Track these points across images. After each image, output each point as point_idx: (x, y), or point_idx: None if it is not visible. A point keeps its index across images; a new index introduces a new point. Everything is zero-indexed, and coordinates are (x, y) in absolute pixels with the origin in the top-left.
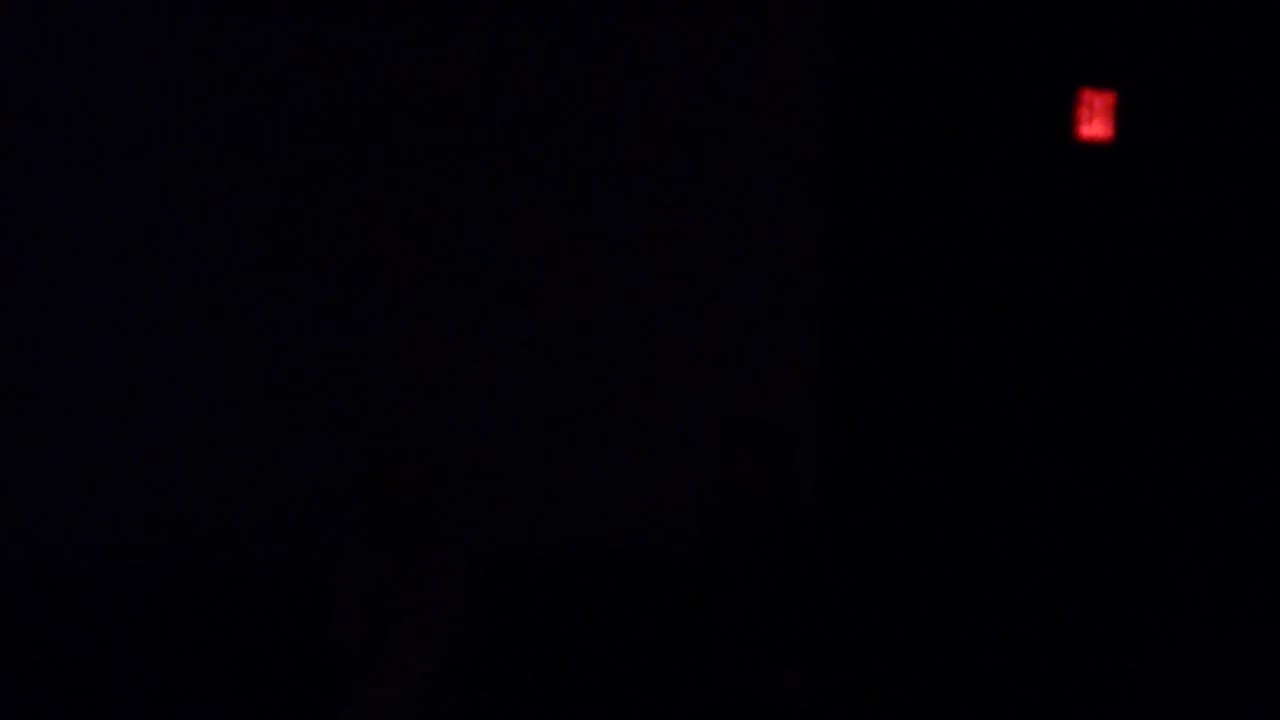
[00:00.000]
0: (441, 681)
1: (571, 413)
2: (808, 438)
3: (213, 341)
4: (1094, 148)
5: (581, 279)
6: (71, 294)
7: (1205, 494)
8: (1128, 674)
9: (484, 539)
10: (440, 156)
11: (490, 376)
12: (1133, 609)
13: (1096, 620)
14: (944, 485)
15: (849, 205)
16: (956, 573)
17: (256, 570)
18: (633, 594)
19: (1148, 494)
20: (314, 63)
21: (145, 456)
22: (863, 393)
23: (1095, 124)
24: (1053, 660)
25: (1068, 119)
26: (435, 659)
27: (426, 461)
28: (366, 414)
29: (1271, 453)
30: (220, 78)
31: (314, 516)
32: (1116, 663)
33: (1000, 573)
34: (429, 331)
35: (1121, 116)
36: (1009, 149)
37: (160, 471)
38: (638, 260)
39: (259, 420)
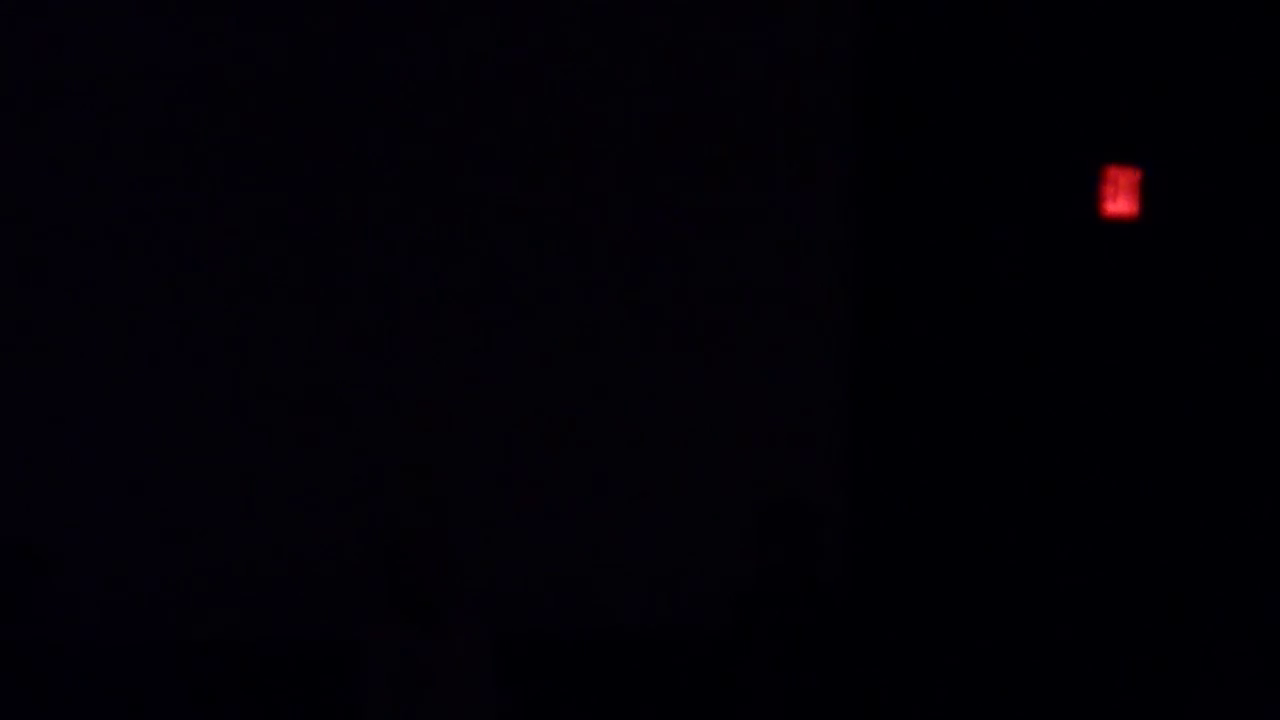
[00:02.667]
0: None
1: (596, 489)
2: (836, 513)
3: (229, 413)
4: (1119, 225)
5: (609, 353)
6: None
7: (1235, 555)
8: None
9: (509, 616)
10: (456, 203)
11: (514, 451)
12: (1180, 646)
13: (1139, 667)
14: (975, 561)
15: (876, 284)
16: (991, 647)
17: (271, 645)
18: (660, 671)
19: (1178, 560)
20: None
21: (153, 529)
22: (890, 468)
23: (1120, 201)
24: None
25: (1093, 196)
26: None
27: (442, 534)
28: (384, 487)
29: None
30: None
31: (327, 590)
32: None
33: (1036, 647)
34: (451, 403)
35: (1147, 193)
36: (1034, 226)
37: (172, 546)
38: (667, 334)
39: (272, 493)
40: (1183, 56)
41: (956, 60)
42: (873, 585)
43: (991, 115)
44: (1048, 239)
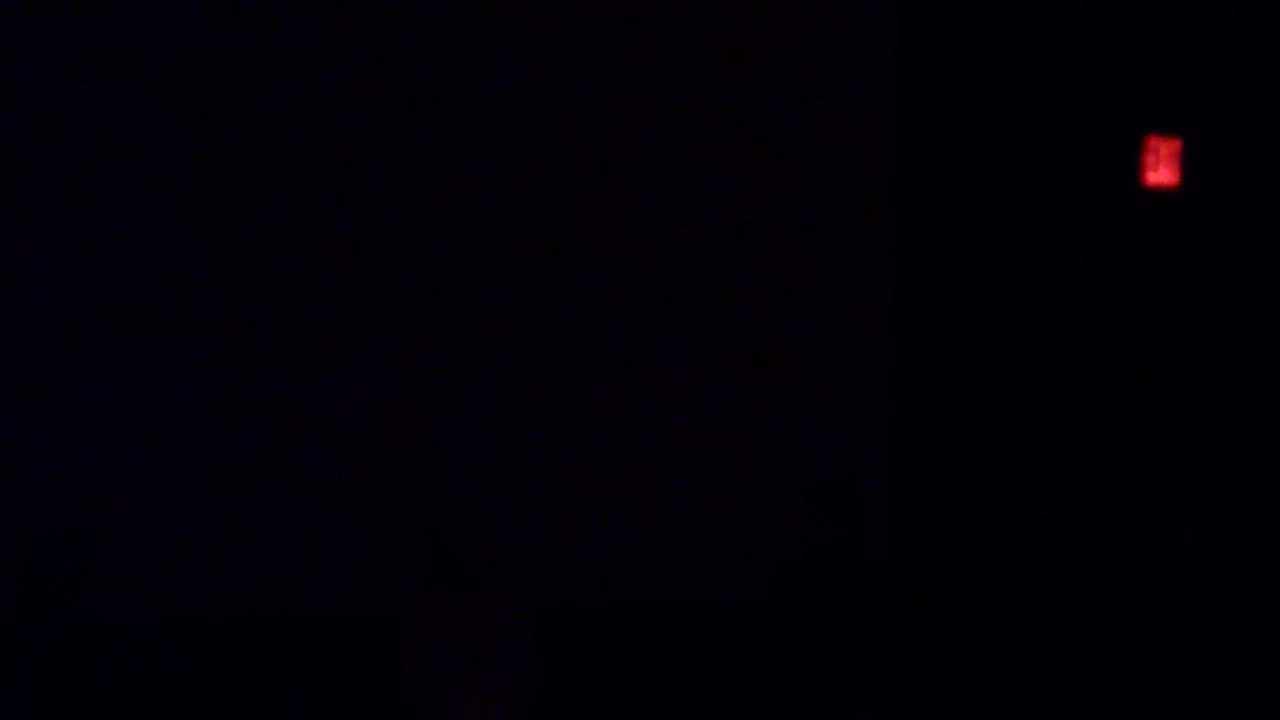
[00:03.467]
0: None
1: (639, 463)
2: (879, 489)
3: (267, 394)
4: (1160, 194)
5: (649, 329)
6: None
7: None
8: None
9: (551, 590)
10: (480, 221)
11: (558, 428)
12: (1215, 649)
13: (1176, 662)
14: (1014, 533)
15: (917, 255)
16: (1027, 621)
17: (310, 622)
18: (701, 645)
19: (1216, 544)
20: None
21: (194, 507)
22: (932, 440)
23: (1161, 171)
24: (1132, 702)
25: (1134, 166)
26: (505, 708)
27: (488, 511)
28: (426, 464)
29: None
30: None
31: (369, 568)
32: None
33: (1075, 617)
34: (493, 382)
35: (1188, 163)
36: (1075, 197)
37: (212, 523)
38: (706, 313)
39: (313, 472)
40: (1223, 26)
41: (997, 31)
42: (914, 560)
43: (1033, 86)
44: (1089, 209)
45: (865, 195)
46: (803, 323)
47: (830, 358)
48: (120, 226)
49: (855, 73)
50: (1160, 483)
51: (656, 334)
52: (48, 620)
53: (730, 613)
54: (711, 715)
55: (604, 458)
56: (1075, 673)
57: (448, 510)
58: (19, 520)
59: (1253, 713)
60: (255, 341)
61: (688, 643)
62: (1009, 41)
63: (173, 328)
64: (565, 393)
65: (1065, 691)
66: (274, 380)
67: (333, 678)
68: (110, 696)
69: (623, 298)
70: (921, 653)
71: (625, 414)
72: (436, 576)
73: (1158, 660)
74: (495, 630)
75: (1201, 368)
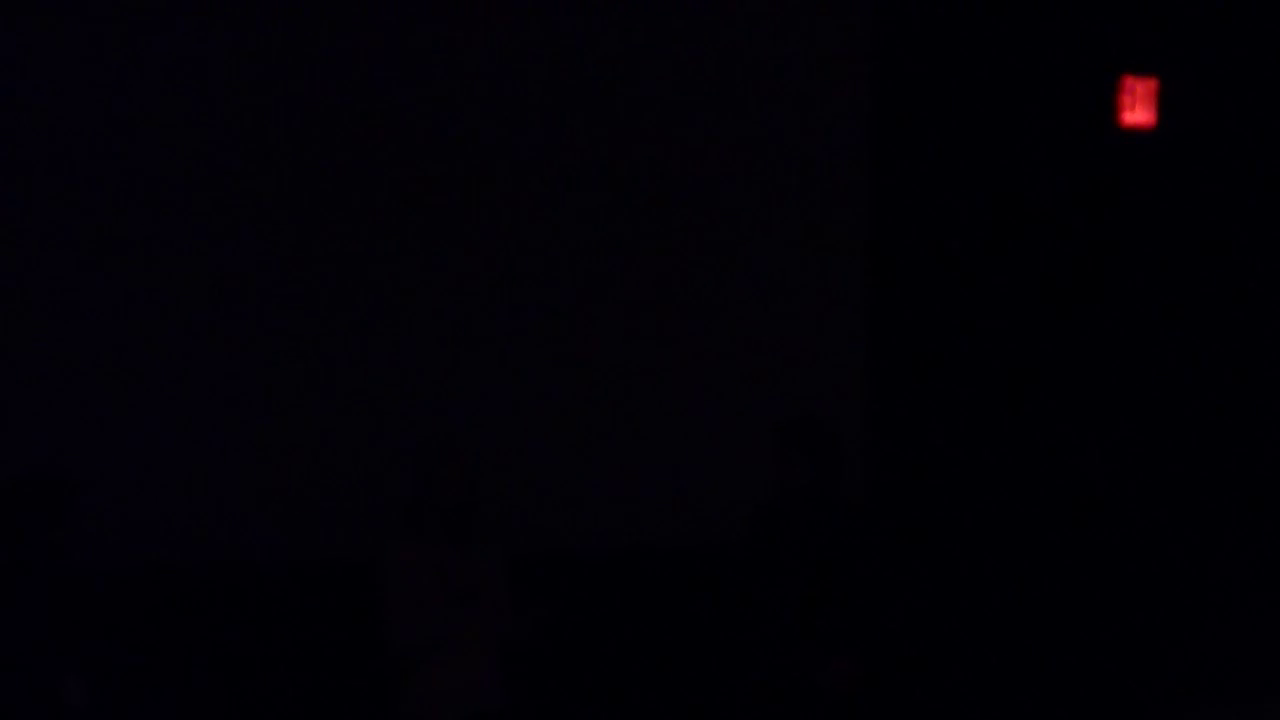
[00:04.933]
0: (490, 678)
1: (616, 408)
2: (852, 429)
3: (252, 346)
4: (1137, 134)
5: (628, 277)
6: (112, 294)
7: (1253, 480)
8: (1169, 655)
9: (529, 535)
10: (482, 151)
11: (536, 373)
12: (1179, 592)
13: (1141, 602)
14: (987, 473)
15: (891, 197)
16: (1001, 560)
17: (303, 569)
18: (679, 588)
19: (1191, 480)
20: (363, 59)
21: (182, 457)
22: (906, 382)
23: (1138, 110)
24: (1099, 645)
25: (1110, 106)
26: (487, 651)
27: (472, 455)
28: (408, 411)
29: None
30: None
31: (345, 513)
32: (1160, 643)
33: (1045, 559)
34: (475, 329)
35: (1164, 103)
36: (1052, 137)
37: (197, 471)
38: (683, 258)
39: (292, 419)
40: None
41: None
42: (890, 501)
43: (1007, 27)
44: (1065, 150)
45: (841, 131)
46: (778, 264)
47: (805, 300)
48: (98, 179)
49: (832, 9)
50: (1136, 419)
51: (632, 282)
52: (23, 570)
53: (707, 555)
54: (690, 657)
55: (580, 404)
56: (1052, 611)
57: (433, 456)
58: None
59: (1236, 649)
60: (234, 290)
61: (666, 586)
62: None
63: (152, 278)
64: (544, 341)
65: (1041, 631)
66: (255, 327)
67: (318, 624)
68: (88, 645)
69: (600, 254)
70: (897, 593)
71: (602, 361)
72: (421, 521)
73: (1135, 597)
74: (480, 573)
75: (1177, 306)
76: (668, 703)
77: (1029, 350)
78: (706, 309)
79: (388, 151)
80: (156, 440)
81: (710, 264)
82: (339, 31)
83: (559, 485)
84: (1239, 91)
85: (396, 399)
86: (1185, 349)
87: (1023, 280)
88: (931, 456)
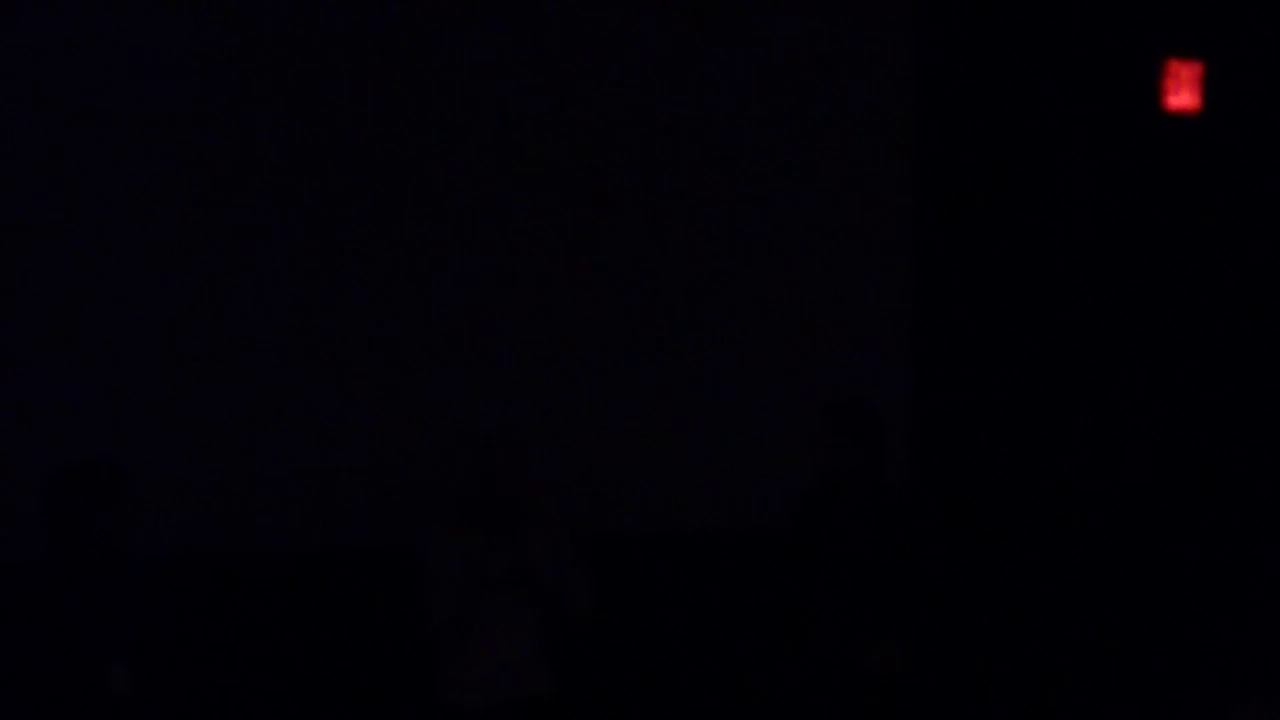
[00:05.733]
0: (533, 663)
1: (663, 393)
2: (898, 413)
3: (293, 333)
4: (1181, 118)
5: (675, 262)
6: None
7: None
8: (1219, 639)
9: (579, 520)
10: (541, 132)
11: (584, 361)
12: (1229, 579)
13: (1189, 589)
14: (1032, 456)
15: (937, 181)
16: (1047, 543)
17: (342, 555)
18: (725, 572)
19: (1245, 468)
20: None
21: (219, 445)
22: (951, 366)
23: (1183, 95)
24: (1149, 631)
25: (1155, 90)
26: (529, 637)
27: (522, 449)
28: (462, 397)
29: None
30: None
31: (401, 502)
32: (1208, 629)
33: (1091, 543)
34: (521, 315)
35: (1209, 87)
36: (1096, 121)
37: (235, 459)
38: (729, 244)
39: (348, 406)
40: None
41: None
42: (936, 484)
43: (1052, 11)
44: (1110, 134)
45: (889, 116)
46: (824, 248)
47: (851, 283)
48: (135, 170)
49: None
50: (1183, 403)
51: (678, 267)
52: (76, 554)
53: (753, 540)
54: (736, 642)
55: (627, 390)
56: (1099, 596)
57: (484, 448)
58: (43, 460)
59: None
60: (274, 276)
61: (711, 571)
62: None
63: (188, 266)
64: (591, 327)
65: (1089, 611)
66: (297, 314)
67: (360, 607)
68: (140, 630)
69: (647, 239)
70: (943, 577)
71: (649, 346)
72: (468, 508)
73: (1178, 578)
74: (522, 561)
75: (1222, 291)
76: (713, 687)
77: (1074, 334)
78: (753, 294)
79: (450, 134)
80: (194, 429)
81: (757, 249)
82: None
83: (605, 470)
84: None
85: (442, 387)
86: (1231, 333)
87: (1067, 265)
88: (977, 440)
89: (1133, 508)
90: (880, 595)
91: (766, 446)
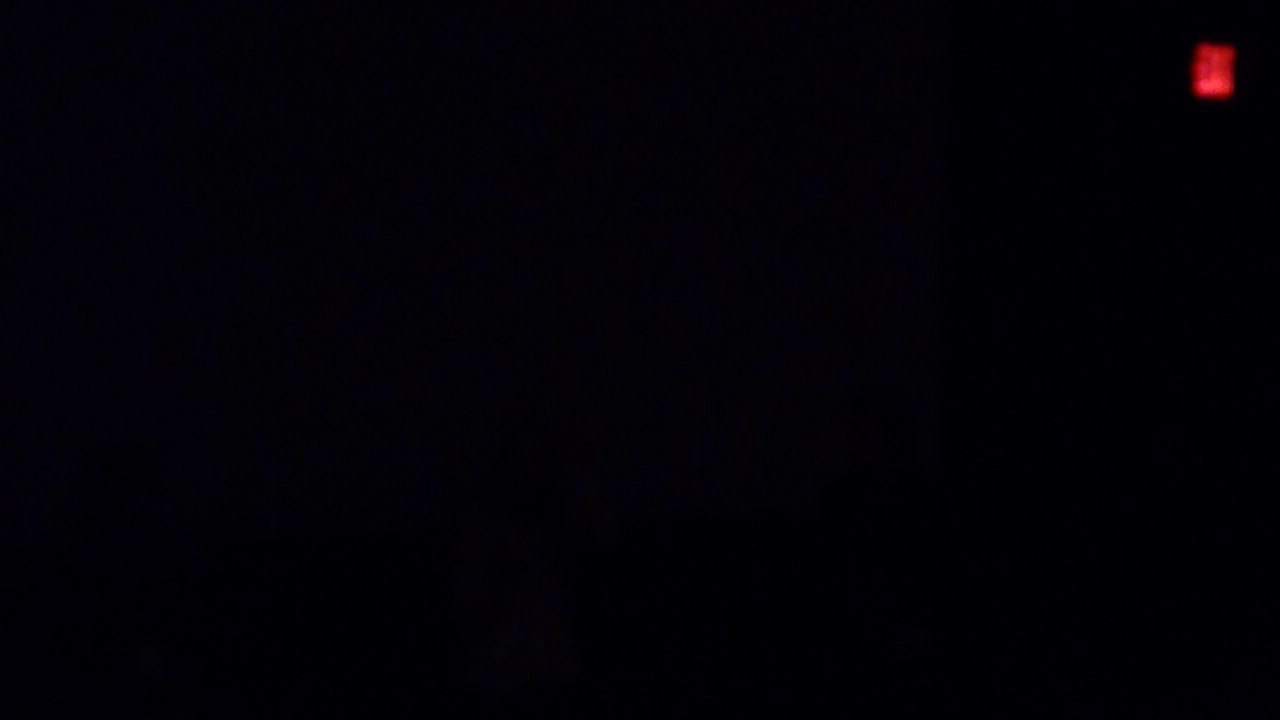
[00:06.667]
0: (562, 649)
1: (695, 378)
2: (927, 399)
3: (327, 316)
4: (1212, 103)
5: (704, 247)
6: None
7: None
8: (1246, 625)
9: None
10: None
11: (616, 345)
12: (1257, 569)
13: (1215, 578)
14: (1061, 444)
15: (967, 168)
16: (1075, 530)
17: (376, 536)
18: (757, 557)
19: (1269, 461)
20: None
21: (250, 428)
22: (980, 353)
23: (1214, 79)
24: (1179, 616)
25: (1186, 75)
26: (556, 622)
27: (552, 437)
28: (487, 381)
29: None
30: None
31: (433, 484)
32: (1236, 615)
33: (1120, 530)
34: (552, 301)
35: (1240, 72)
36: (1127, 106)
37: (264, 442)
38: (759, 229)
39: (375, 392)
40: None
41: None
42: (965, 472)
43: None
44: (1141, 119)
45: (919, 106)
46: (855, 235)
47: (881, 269)
48: (150, 166)
49: None
50: (1213, 392)
51: (712, 253)
52: (106, 538)
53: (783, 524)
54: (766, 627)
55: (656, 375)
56: (1127, 583)
57: (515, 436)
58: (71, 442)
59: None
60: (303, 263)
61: (741, 555)
62: None
63: (223, 253)
64: (618, 313)
65: (1117, 602)
66: (333, 301)
67: (389, 590)
68: (168, 613)
69: (674, 226)
70: (973, 564)
71: (676, 332)
72: (496, 492)
73: (1206, 572)
74: (549, 547)
75: (1254, 278)
76: (744, 672)
77: (1103, 321)
78: (782, 279)
79: (474, 115)
80: (223, 412)
81: (786, 234)
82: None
83: (635, 455)
84: None
85: (474, 370)
86: (1263, 321)
87: (1097, 251)
88: (1006, 427)
89: (1167, 493)
90: (910, 581)
91: (797, 432)
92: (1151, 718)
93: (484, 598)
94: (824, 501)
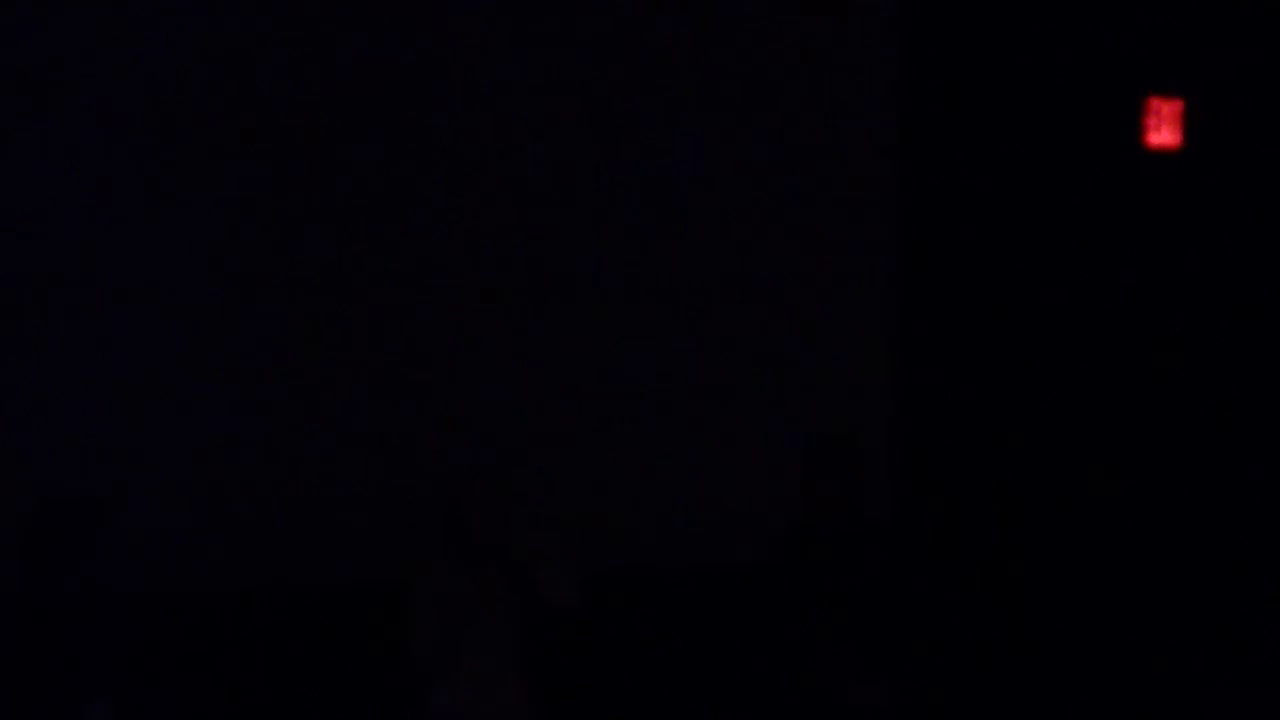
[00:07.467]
0: (515, 700)
1: (641, 425)
2: (879, 447)
3: (281, 366)
4: (1162, 156)
5: (655, 293)
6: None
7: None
8: (1207, 672)
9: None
10: (505, 157)
11: (562, 393)
12: (1219, 609)
13: (1179, 621)
14: (1015, 490)
15: (920, 215)
16: (1030, 578)
17: (327, 590)
18: (710, 608)
19: (1227, 498)
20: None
21: (204, 479)
22: (934, 400)
23: (1163, 132)
24: (1135, 663)
25: (1136, 127)
26: (513, 671)
27: (505, 486)
28: (437, 432)
29: None
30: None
31: (391, 536)
32: (1198, 662)
33: (1076, 577)
34: (497, 347)
35: (1190, 124)
36: (1077, 157)
37: (219, 493)
38: (711, 274)
39: (319, 439)
40: None
41: None
42: (917, 519)
43: (1033, 47)
44: (1091, 170)
45: (868, 153)
46: (806, 284)
47: (832, 316)
48: (123, 196)
49: (858, 28)
50: (1165, 436)
51: (662, 301)
52: (56, 589)
53: (734, 575)
54: (719, 678)
55: (604, 422)
56: (1084, 629)
57: (466, 485)
58: (27, 490)
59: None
60: (263, 310)
61: (693, 606)
62: (1011, 1)
63: (180, 296)
64: (566, 358)
65: (1074, 649)
66: (285, 348)
67: (347, 645)
68: (118, 664)
69: (629, 269)
70: (926, 611)
71: (625, 378)
72: (448, 545)
73: (1165, 612)
74: (498, 597)
75: (1203, 327)
76: None
77: (1056, 369)
78: (731, 325)
79: (429, 165)
80: (178, 462)
81: (735, 278)
82: (359, 31)
83: (581, 505)
84: (1265, 113)
85: (425, 418)
86: (1212, 368)
87: (1048, 300)
88: (958, 473)
89: (1125, 537)
90: (864, 630)
91: (745, 479)
92: None
93: (438, 647)
94: (776, 552)
